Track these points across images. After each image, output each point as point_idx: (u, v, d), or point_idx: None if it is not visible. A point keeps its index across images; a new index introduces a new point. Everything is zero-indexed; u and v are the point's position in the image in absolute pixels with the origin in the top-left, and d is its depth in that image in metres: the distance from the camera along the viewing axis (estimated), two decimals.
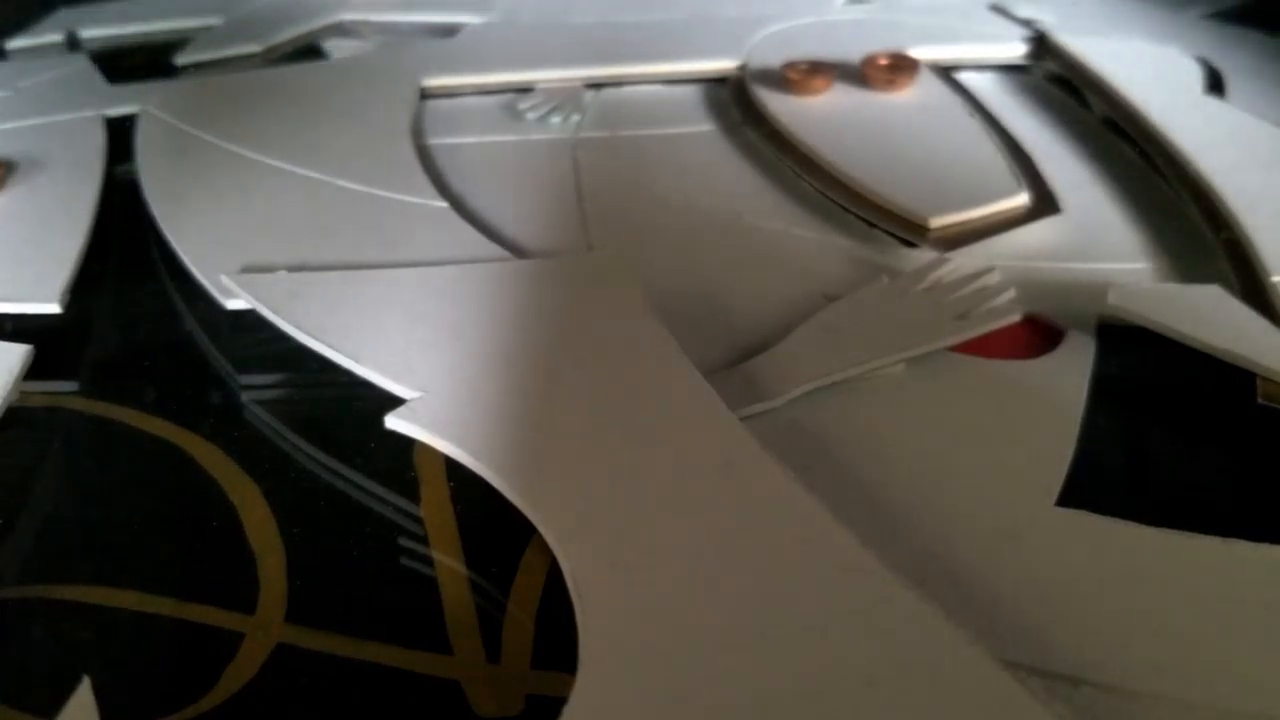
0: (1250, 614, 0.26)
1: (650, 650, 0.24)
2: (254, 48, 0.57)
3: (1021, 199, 0.41)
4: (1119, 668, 0.25)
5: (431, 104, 0.50)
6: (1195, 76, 0.48)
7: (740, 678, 0.23)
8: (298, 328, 0.33)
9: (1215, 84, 0.47)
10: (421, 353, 0.32)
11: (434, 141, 0.46)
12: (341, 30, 0.59)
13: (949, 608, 0.24)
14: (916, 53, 0.50)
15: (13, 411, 0.33)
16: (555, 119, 0.48)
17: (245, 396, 0.35)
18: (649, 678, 0.24)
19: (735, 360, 0.33)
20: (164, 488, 0.32)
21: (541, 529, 0.27)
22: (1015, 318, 0.34)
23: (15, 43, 0.59)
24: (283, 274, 0.36)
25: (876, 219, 0.40)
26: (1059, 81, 0.50)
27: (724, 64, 0.51)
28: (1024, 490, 0.29)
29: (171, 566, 0.29)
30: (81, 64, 0.55)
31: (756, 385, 0.32)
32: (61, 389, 0.35)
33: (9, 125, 0.48)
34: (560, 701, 0.23)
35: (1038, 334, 0.35)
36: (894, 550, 0.26)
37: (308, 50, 0.58)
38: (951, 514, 0.28)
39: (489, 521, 0.29)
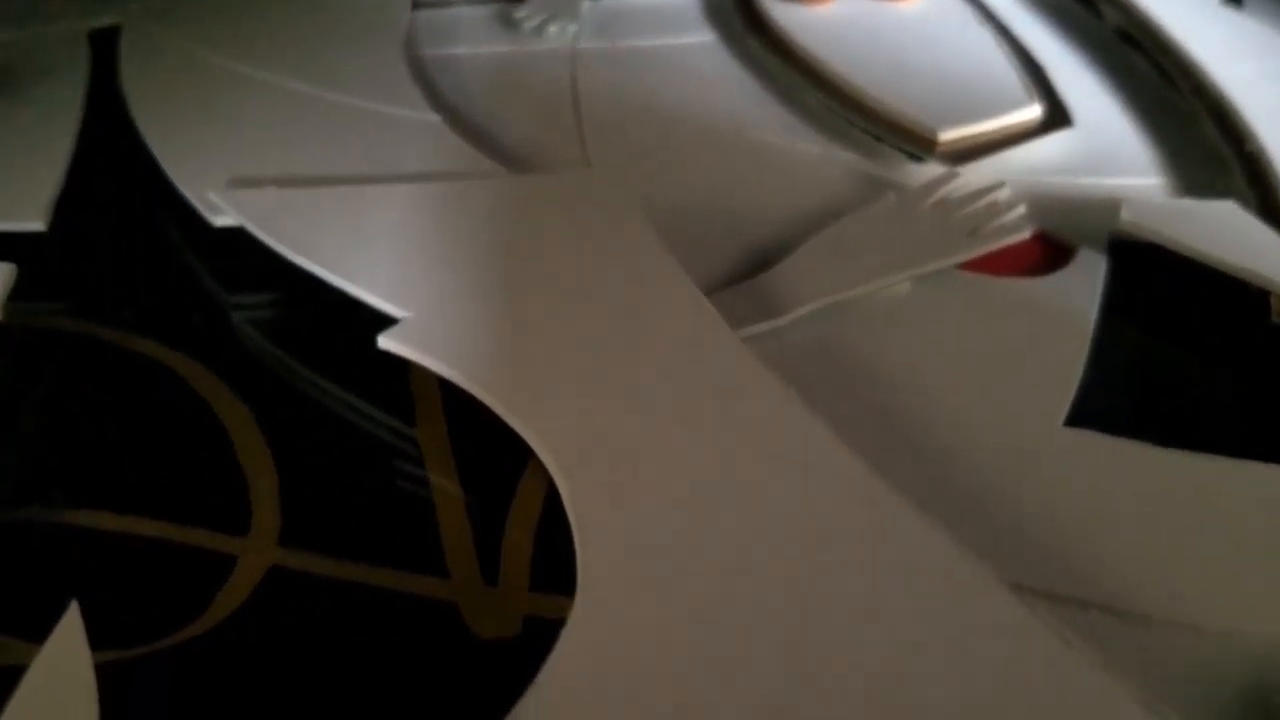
0: (1262, 536, 0.25)
1: (649, 572, 0.24)
2: None
3: (1033, 111, 0.40)
4: (1127, 590, 0.24)
5: (424, 14, 0.48)
6: None
7: (741, 600, 0.23)
8: (287, 246, 0.32)
9: None
10: (414, 271, 0.31)
11: (427, 53, 0.45)
12: None
13: (955, 530, 0.24)
14: None
15: None
16: (551, 29, 0.46)
17: (235, 316, 0.34)
18: (648, 600, 0.23)
19: (737, 279, 0.32)
20: (153, 409, 0.31)
21: (539, 451, 0.27)
22: (1025, 234, 0.33)
23: None
24: (272, 190, 0.35)
25: (883, 132, 0.39)
26: None
27: None
28: (1032, 410, 0.28)
29: (162, 489, 0.28)
30: None
31: (759, 304, 0.31)
32: (47, 308, 0.34)
33: None
34: (559, 624, 0.23)
35: (1048, 251, 0.34)
36: (899, 472, 0.25)
37: None
38: (958, 435, 0.28)
39: (485, 443, 0.28)
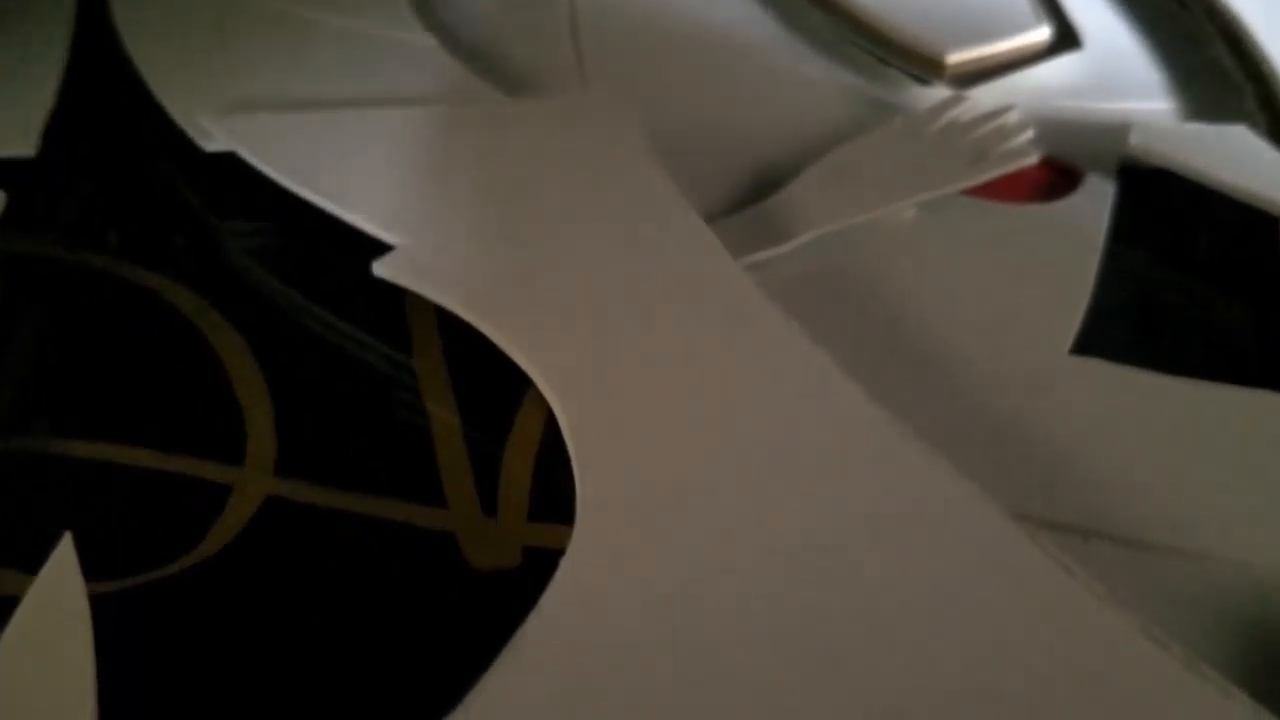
0: (1270, 466, 0.25)
1: (649, 502, 0.23)
2: None
3: (1042, 33, 0.39)
4: (1132, 520, 0.24)
5: None
6: None
7: (741, 530, 0.23)
8: (280, 171, 0.32)
9: None
10: (410, 197, 0.31)
11: None
12: None
13: (958, 459, 0.24)
14: None
15: None
16: None
17: (228, 244, 0.33)
18: (648, 529, 0.23)
19: (739, 205, 0.32)
20: (145, 338, 0.31)
21: (537, 381, 0.26)
22: (1033, 159, 0.32)
23: None
24: (263, 115, 0.34)
25: (889, 55, 0.38)
26: None
27: None
28: (1038, 338, 0.28)
29: (155, 418, 0.28)
30: None
31: (761, 231, 0.30)
32: (38, 237, 0.34)
33: None
34: (558, 554, 0.22)
35: (1055, 176, 0.33)
36: (902, 401, 0.25)
37: None
38: (962, 363, 0.27)
39: (483, 373, 0.28)
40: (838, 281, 0.29)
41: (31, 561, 0.22)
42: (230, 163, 0.33)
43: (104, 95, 0.39)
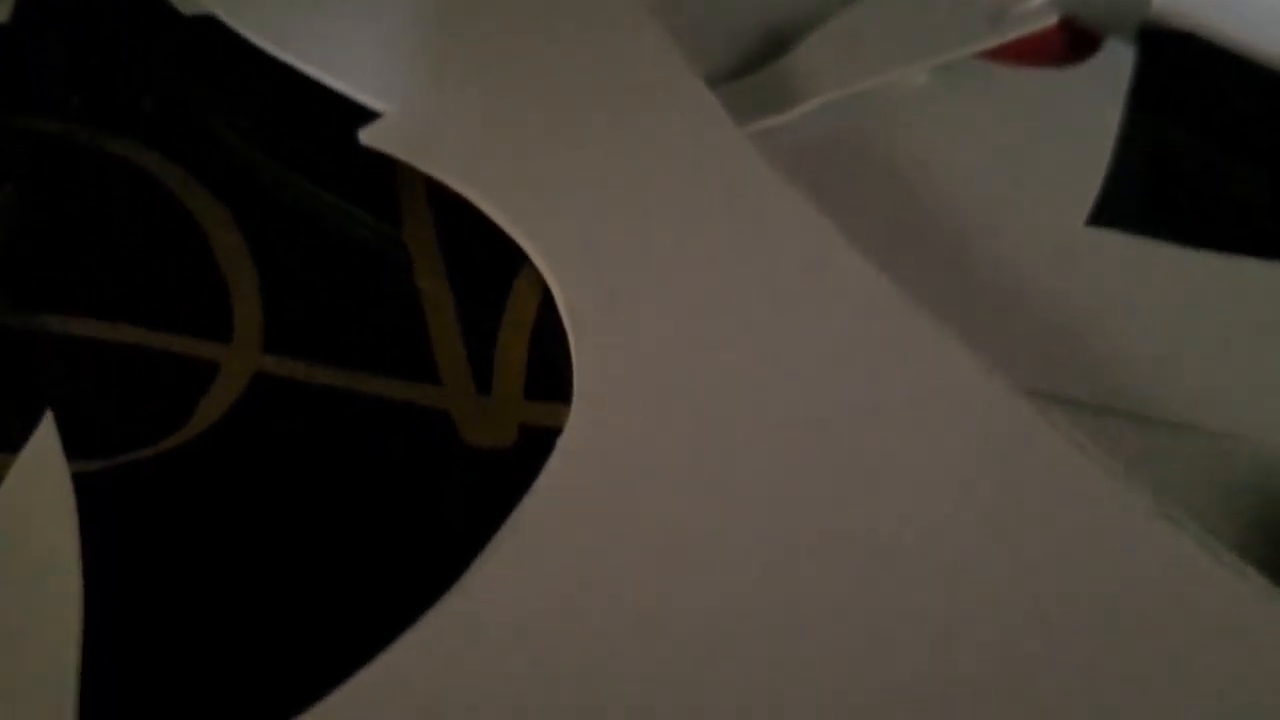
0: None
1: (649, 379, 0.23)
2: None
3: None
4: (1148, 397, 0.24)
5: None
6: None
7: (743, 409, 0.22)
8: (262, 36, 0.30)
9: None
10: (397, 61, 0.29)
11: None
12: None
13: (969, 333, 0.23)
14: None
15: None
16: None
17: (207, 112, 0.32)
18: (648, 408, 0.22)
19: (743, 70, 0.30)
20: (126, 211, 0.29)
21: (532, 255, 0.25)
22: (1051, 20, 0.31)
23: None
24: None
25: None
26: None
27: None
28: (1052, 210, 0.27)
29: (138, 294, 0.27)
30: None
31: (765, 97, 0.29)
32: (6, 106, 0.32)
33: None
34: (555, 432, 0.22)
35: (1073, 40, 0.32)
36: (911, 274, 0.24)
37: None
38: (974, 235, 0.26)
39: (476, 246, 0.27)
40: (846, 150, 0.28)
41: (12, 441, 0.22)
42: (209, 27, 0.32)
43: None
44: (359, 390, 0.25)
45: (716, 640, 0.19)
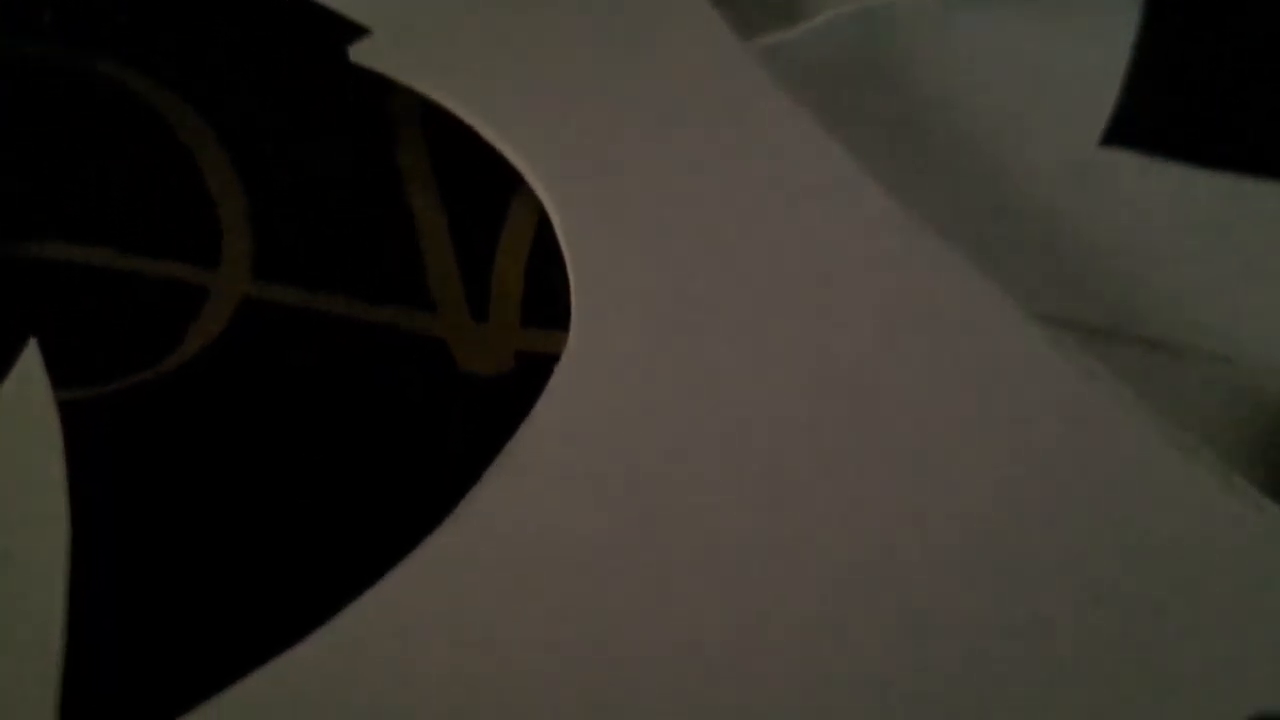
0: None
1: (648, 306, 0.22)
2: None
3: None
4: (1160, 321, 0.23)
5: None
6: None
7: (745, 334, 0.22)
8: None
9: None
10: None
11: None
12: None
13: (978, 256, 0.22)
14: None
15: None
16: None
17: (190, 28, 0.31)
18: (647, 335, 0.22)
19: None
20: (110, 133, 0.28)
21: (529, 176, 0.24)
22: None
23: None
24: None
25: None
26: None
27: None
28: (1066, 128, 0.26)
29: (121, 218, 0.26)
30: None
31: (773, 10, 0.28)
32: None
33: None
34: (553, 359, 0.21)
35: None
36: (920, 196, 0.23)
37: None
38: (984, 155, 0.26)
39: (471, 169, 0.26)
40: (854, 67, 0.27)
41: None
42: None
43: None
44: (351, 316, 0.25)
45: (717, 566, 0.19)
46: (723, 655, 0.18)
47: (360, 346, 0.24)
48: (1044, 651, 0.18)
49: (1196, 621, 0.18)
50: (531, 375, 0.22)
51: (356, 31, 0.27)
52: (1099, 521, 0.19)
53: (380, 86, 0.27)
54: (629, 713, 0.18)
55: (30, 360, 0.21)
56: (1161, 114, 0.28)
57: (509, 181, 0.25)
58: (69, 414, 0.21)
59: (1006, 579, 0.19)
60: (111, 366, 0.23)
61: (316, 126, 0.28)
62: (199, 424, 0.23)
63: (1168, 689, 0.18)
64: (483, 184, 0.26)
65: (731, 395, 0.21)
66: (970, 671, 0.18)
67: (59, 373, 0.22)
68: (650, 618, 0.19)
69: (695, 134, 0.25)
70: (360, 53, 0.27)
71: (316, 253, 0.26)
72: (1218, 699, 0.17)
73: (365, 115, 0.28)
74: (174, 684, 0.18)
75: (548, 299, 0.24)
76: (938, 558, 0.19)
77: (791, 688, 0.18)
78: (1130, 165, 0.26)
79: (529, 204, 0.25)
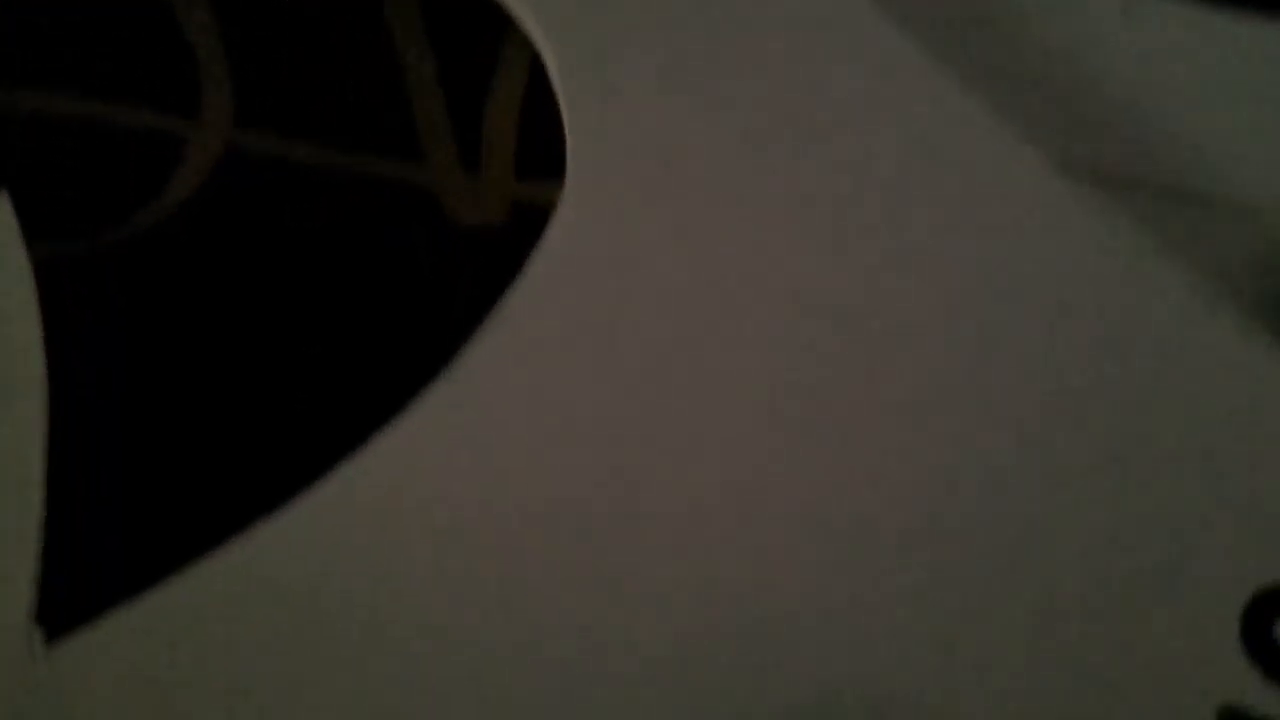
0: None
1: (648, 156, 0.21)
2: None
3: None
4: (1182, 170, 0.22)
5: None
6: None
7: (751, 188, 0.21)
8: None
9: None
10: None
11: None
12: None
13: (997, 103, 0.21)
14: None
15: None
16: None
17: None
18: (647, 188, 0.21)
19: None
20: None
21: (521, 18, 0.23)
22: None
23: None
24: None
25: None
26: None
27: None
28: None
29: (96, 65, 0.25)
30: None
31: None
32: None
33: None
34: (548, 210, 0.21)
35: None
36: (937, 41, 0.22)
37: None
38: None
39: (462, 11, 0.25)
40: None
41: None
42: None
43: None
44: (337, 167, 0.24)
45: (717, 428, 0.19)
46: (725, 513, 0.18)
47: (347, 199, 0.23)
48: (1062, 505, 0.18)
49: (1216, 473, 0.18)
50: (526, 228, 0.21)
51: None
52: (1117, 374, 0.19)
53: None
54: (628, 571, 0.17)
55: (2, 215, 0.20)
56: None
57: (500, 26, 0.24)
58: (46, 271, 0.20)
59: (1025, 432, 0.18)
60: (88, 220, 0.23)
61: None
62: (180, 279, 0.22)
63: (1187, 542, 0.17)
64: (473, 29, 0.25)
65: (733, 250, 0.20)
66: (993, 524, 0.18)
67: (33, 228, 0.21)
68: (648, 477, 0.18)
69: None
70: None
71: (300, 102, 0.25)
72: (1236, 551, 0.17)
73: None
74: (158, 547, 0.18)
75: (542, 149, 0.23)
76: (957, 415, 0.19)
77: (797, 555, 0.18)
78: (1156, 9, 0.25)
79: (521, 49, 0.24)
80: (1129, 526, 0.18)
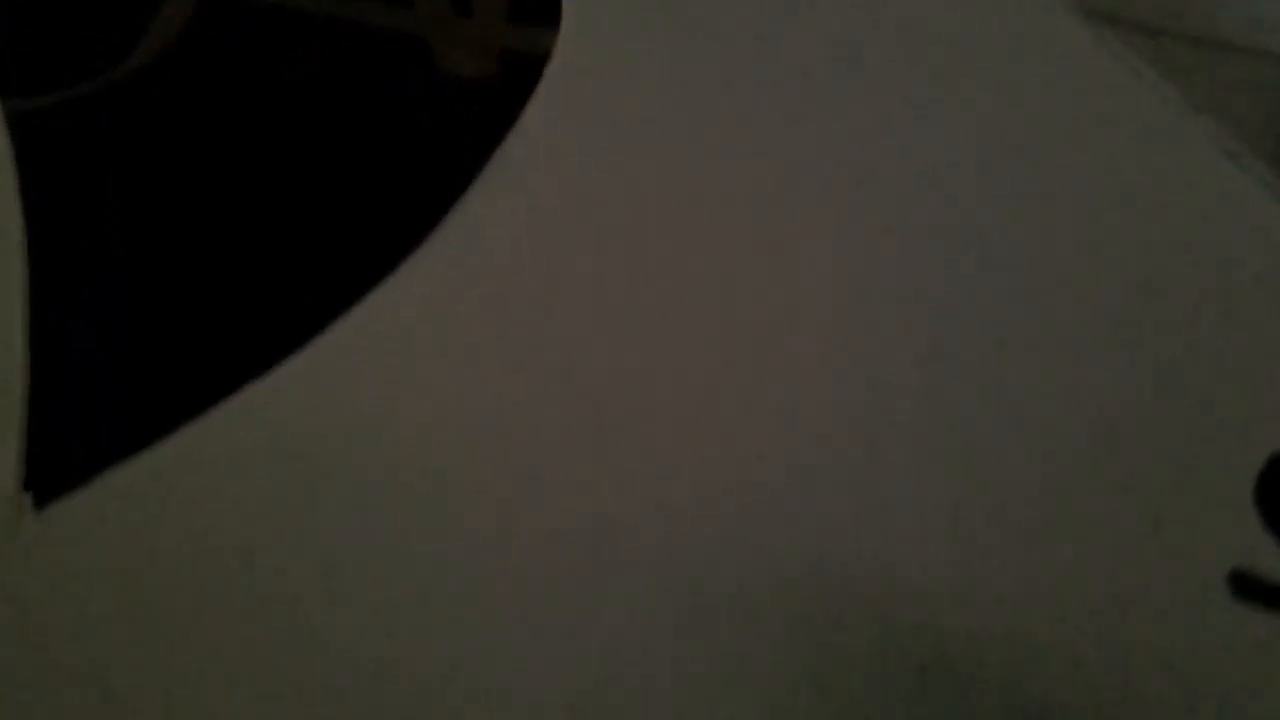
0: None
1: (647, 3, 0.20)
2: None
3: None
4: (1210, 17, 0.21)
5: None
6: None
7: (759, 34, 0.20)
8: None
9: None
10: None
11: None
12: None
13: None
14: None
15: None
16: None
17: None
18: (645, 31, 0.20)
19: None
20: None
21: None
22: None
23: None
24: None
25: None
26: None
27: None
28: None
29: None
30: None
31: None
32: None
33: None
34: (540, 61, 0.20)
35: None
36: None
37: None
38: None
39: None
40: None
41: None
42: None
43: None
44: (322, 12, 0.23)
45: (716, 276, 0.18)
46: (717, 366, 0.18)
47: (333, 46, 0.22)
48: (1091, 339, 0.17)
49: (1235, 332, 0.17)
50: (517, 79, 0.20)
51: None
52: (1144, 226, 0.18)
53: None
54: (623, 429, 0.17)
55: None
56: None
57: None
58: (23, 125, 0.19)
59: (1055, 273, 0.18)
60: (66, 72, 0.22)
61: None
62: (165, 128, 0.22)
63: (1203, 405, 0.17)
64: None
65: (735, 99, 0.20)
66: (1001, 384, 0.17)
67: (9, 82, 0.20)
68: (643, 327, 0.18)
69: None
70: None
71: None
72: (1254, 415, 0.17)
73: None
74: (148, 408, 0.17)
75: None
76: (983, 252, 0.18)
77: (798, 424, 0.17)
78: None
79: None
80: (1144, 388, 0.17)
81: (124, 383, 0.19)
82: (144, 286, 0.20)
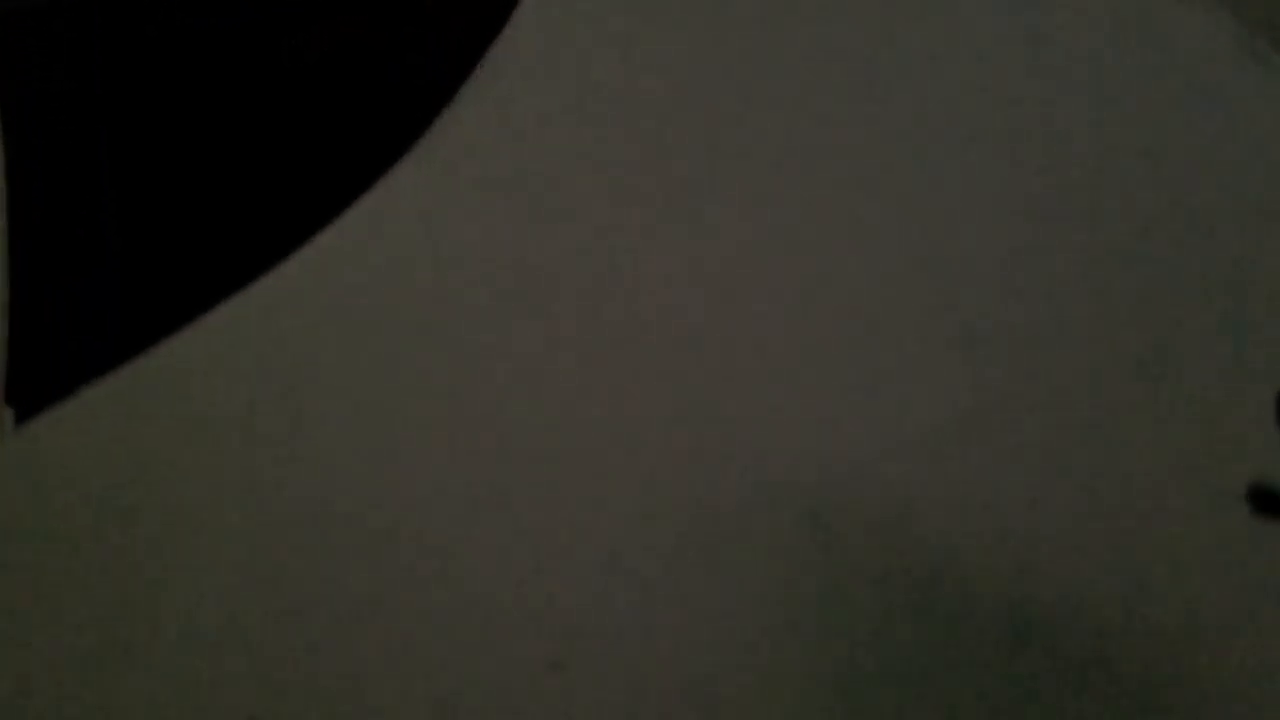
0: None
1: None
2: None
3: None
4: None
5: None
6: None
7: None
8: None
9: None
10: None
11: None
12: None
13: None
14: None
15: None
16: None
17: None
18: None
19: None
20: None
21: None
22: None
23: None
24: None
25: None
26: None
27: None
28: None
29: None
30: None
31: None
32: None
33: None
34: None
35: None
36: None
37: None
38: None
39: None
40: None
41: None
42: None
43: None
44: None
45: (716, 186, 0.18)
46: (712, 294, 0.17)
47: None
48: (1095, 277, 0.17)
49: (1262, 244, 0.17)
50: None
51: None
52: (1170, 131, 0.18)
53: None
54: (617, 339, 0.17)
55: None
56: None
57: None
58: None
59: (1088, 178, 0.17)
60: None
61: None
62: (137, 38, 0.21)
63: (1228, 319, 0.17)
64: None
65: (723, 23, 0.19)
66: (1017, 299, 0.17)
67: None
68: (632, 241, 0.17)
69: None
70: None
71: None
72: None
73: None
74: (134, 317, 0.17)
75: None
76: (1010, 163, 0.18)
77: (794, 335, 0.17)
78: None
79: None
80: (1169, 295, 0.17)
81: (112, 288, 0.19)
82: (128, 192, 0.20)
